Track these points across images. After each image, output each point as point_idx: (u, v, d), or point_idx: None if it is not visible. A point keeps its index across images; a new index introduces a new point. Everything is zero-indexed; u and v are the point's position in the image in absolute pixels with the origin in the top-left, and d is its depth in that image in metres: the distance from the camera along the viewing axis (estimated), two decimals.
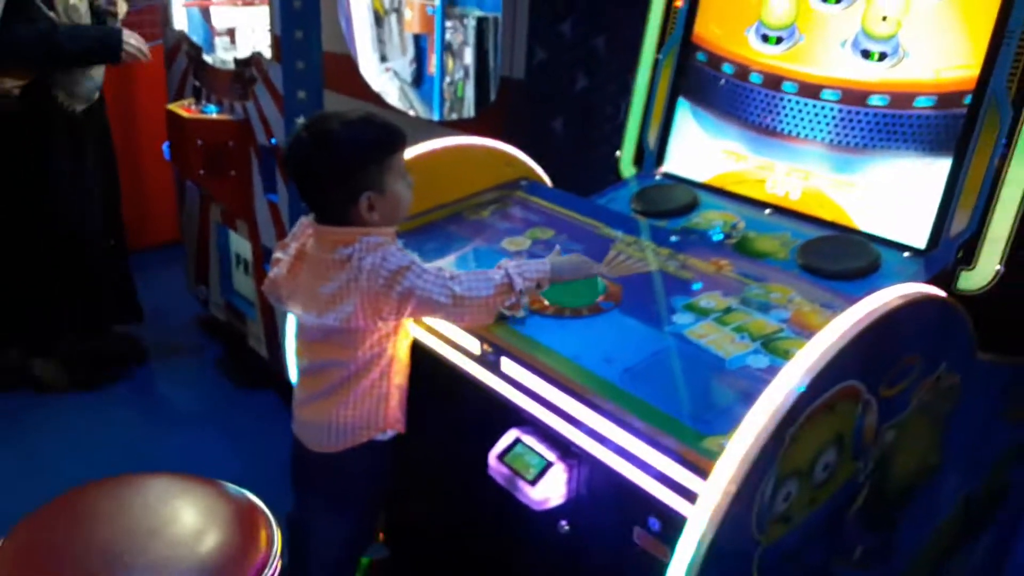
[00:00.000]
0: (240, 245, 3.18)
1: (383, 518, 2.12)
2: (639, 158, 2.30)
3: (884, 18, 1.80)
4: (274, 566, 1.25)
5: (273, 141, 2.70)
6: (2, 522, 1.35)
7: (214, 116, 2.84)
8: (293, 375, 1.94)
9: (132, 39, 2.85)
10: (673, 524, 1.21)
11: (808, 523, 1.29)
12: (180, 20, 3.28)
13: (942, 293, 1.38)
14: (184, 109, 2.89)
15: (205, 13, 3.31)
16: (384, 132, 1.59)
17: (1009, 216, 1.64)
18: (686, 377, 1.36)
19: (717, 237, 1.94)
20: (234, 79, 2.83)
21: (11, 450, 2.83)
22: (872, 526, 1.47)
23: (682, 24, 2.16)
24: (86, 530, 1.20)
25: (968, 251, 1.69)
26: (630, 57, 2.57)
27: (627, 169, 2.33)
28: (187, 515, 1.26)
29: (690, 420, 1.24)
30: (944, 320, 1.39)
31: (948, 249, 1.71)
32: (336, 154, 1.55)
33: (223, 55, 3.17)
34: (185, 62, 3.19)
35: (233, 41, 3.27)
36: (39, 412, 3.05)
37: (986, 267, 1.68)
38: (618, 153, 2.35)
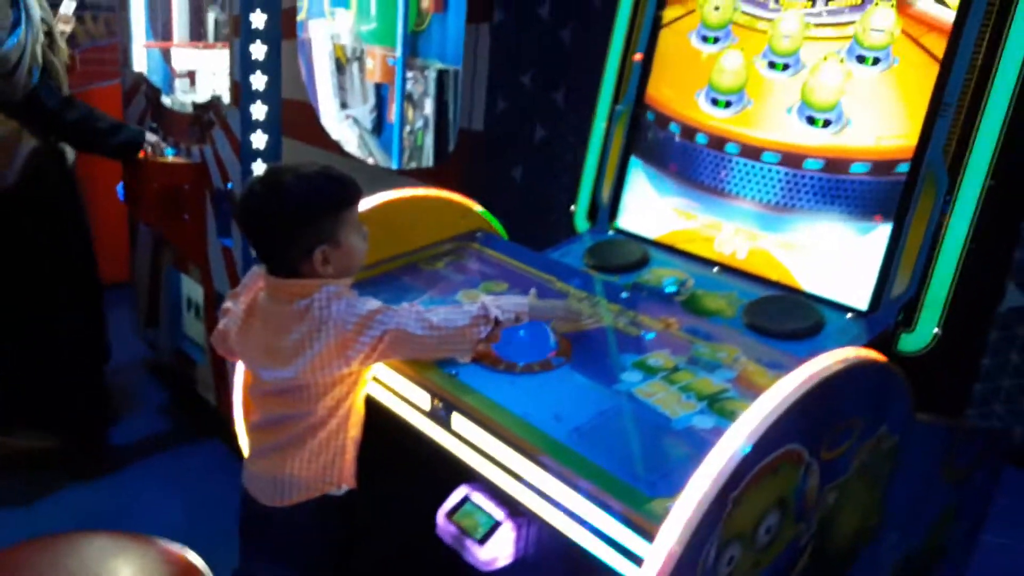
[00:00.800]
0: (192, 289, 3.14)
1: None
2: (593, 213, 2.34)
3: (827, 87, 1.86)
4: None
5: (229, 186, 2.69)
6: None
7: (170, 159, 2.82)
8: (241, 429, 1.92)
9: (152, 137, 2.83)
10: None
11: None
12: (140, 61, 3.27)
13: (882, 357, 1.42)
14: (140, 151, 2.87)
15: (166, 54, 3.31)
16: (339, 186, 1.59)
17: (946, 280, 1.70)
18: (633, 437, 1.37)
19: (670, 290, 1.98)
20: (192, 122, 2.82)
21: None
22: None
23: (635, 85, 2.22)
24: None
25: (908, 313, 1.74)
26: (588, 109, 2.63)
27: (581, 223, 2.36)
28: (123, 570, 1.23)
29: (636, 481, 1.25)
30: (884, 383, 1.43)
31: (889, 311, 1.76)
32: (289, 207, 1.55)
33: (182, 97, 3.16)
34: (143, 103, 3.18)
35: (193, 84, 3.26)
36: None
37: (925, 329, 1.73)
38: (572, 208, 2.38)
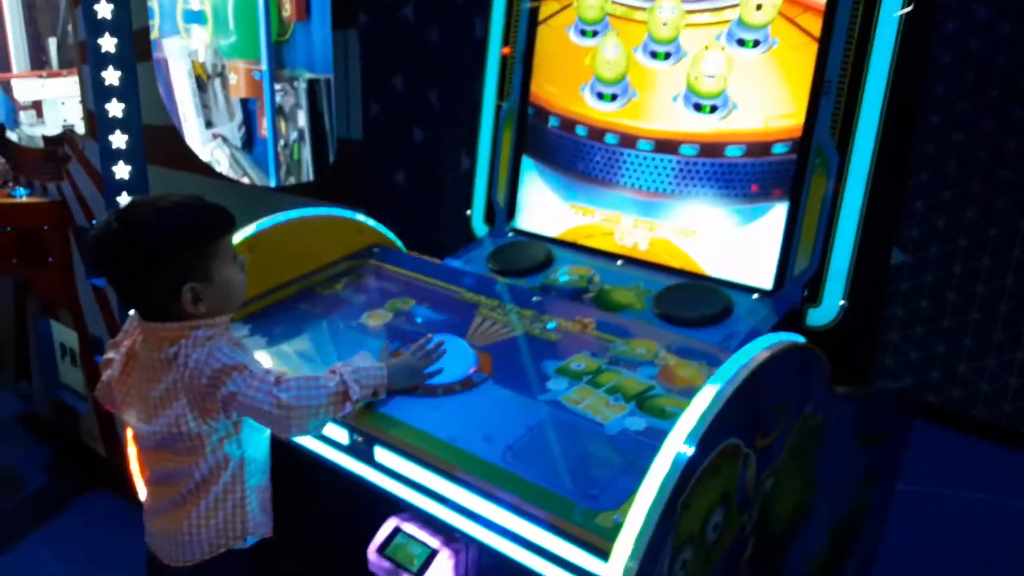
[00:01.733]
0: (64, 335, 2.91)
1: None
2: (490, 216, 2.29)
3: (710, 74, 1.87)
4: None
5: (95, 223, 2.49)
6: None
7: (24, 199, 2.59)
8: (138, 484, 1.77)
9: None
10: None
11: None
12: None
13: (803, 340, 1.42)
14: None
15: (5, 86, 3.04)
16: (202, 216, 1.46)
17: (846, 252, 1.73)
18: (568, 449, 1.33)
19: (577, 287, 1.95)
20: (45, 158, 2.60)
21: None
22: (761, 571, 1.49)
23: (518, 85, 2.18)
24: None
25: (813, 289, 1.77)
26: (464, 109, 2.55)
27: (479, 227, 2.31)
28: None
29: (579, 497, 1.21)
30: (806, 365, 1.44)
31: (794, 288, 1.79)
32: (147, 245, 1.40)
33: (29, 131, 2.92)
34: None
35: (40, 115, 3.02)
36: None
37: (831, 303, 1.76)
38: (468, 212, 2.33)
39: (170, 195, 1.47)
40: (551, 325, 1.69)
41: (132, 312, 1.56)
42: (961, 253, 3.37)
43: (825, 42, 1.71)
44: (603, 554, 1.11)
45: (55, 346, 3.00)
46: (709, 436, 1.15)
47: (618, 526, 1.12)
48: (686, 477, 1.12)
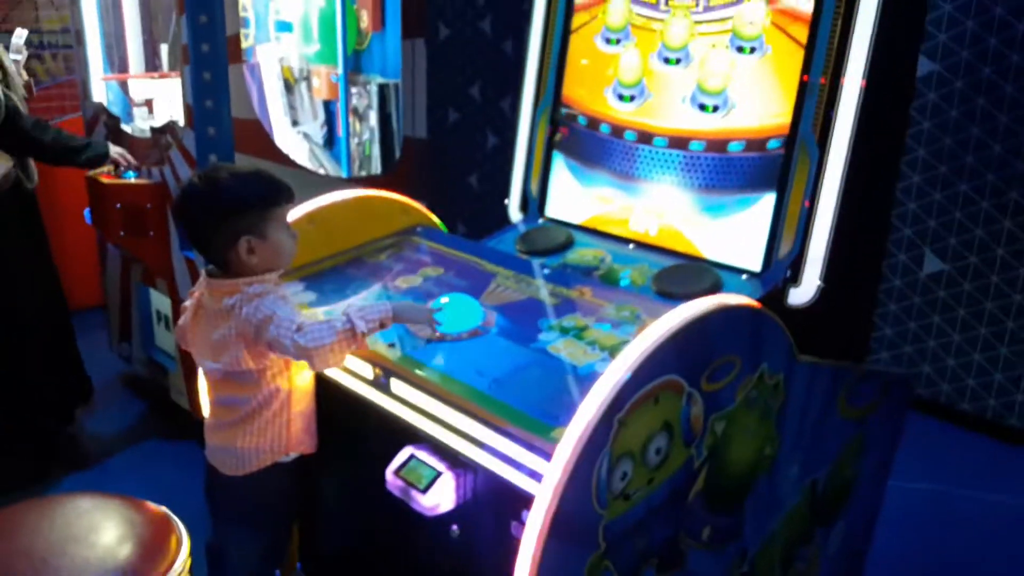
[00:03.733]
0: (160, 302, 3.32)
1: (296, 541, 2.28)
2: (524, 205, 2.56)
3: (714, 76, 2.10)
4: (183, 567, 1.41)
5: None
6: None
7: (132, 181, 3.02)
8: (204, 404, 2.11)
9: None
10: None
11: (650, 501, 1.51)
12: (99, 93, 3.46)
13: (753, 303, 1.64)
14: (104, 176, 3.06)
15: (123, 86, 3.50)
16: (268, 184, 1.78)
17: (824, 238, 1.93)
18: (543, 383, 1.58)
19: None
20: (151, 146, 3.02)
21: None
22: (715, 509, 1.71)
23: (552, 87, 2.45)
24: (12, 540, 1.35)
25: (795, 270, 1.97)
26: None
27: (515, 215, 2.58)
28: (105, 525, 1.42)
29: (542, 416, 1.47)
30: (756, 324, 1.65)
31: (778, 270, 1.99)
32: (218, 198, 1.73)
33: (141, 124, 3.36)
34: (104, 132, 3.37)
35: (151, 111, 3.46)
36: None
37: (809, 283, 1.96)
38: (507, 201, 2.61)
39: (247, 164, 1.81)
40: (554, 292, 1.95)
41: (203, 271, 1.90)
42: (951, 252, 3.51)
43: (810, 48, 1.92)
44: (549, 456, 1.37)
45: (152, 312, 3.42)
46: (646, 367, 1.39)
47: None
48: (622, 399, 1.36)
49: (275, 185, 1.78)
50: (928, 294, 3.65)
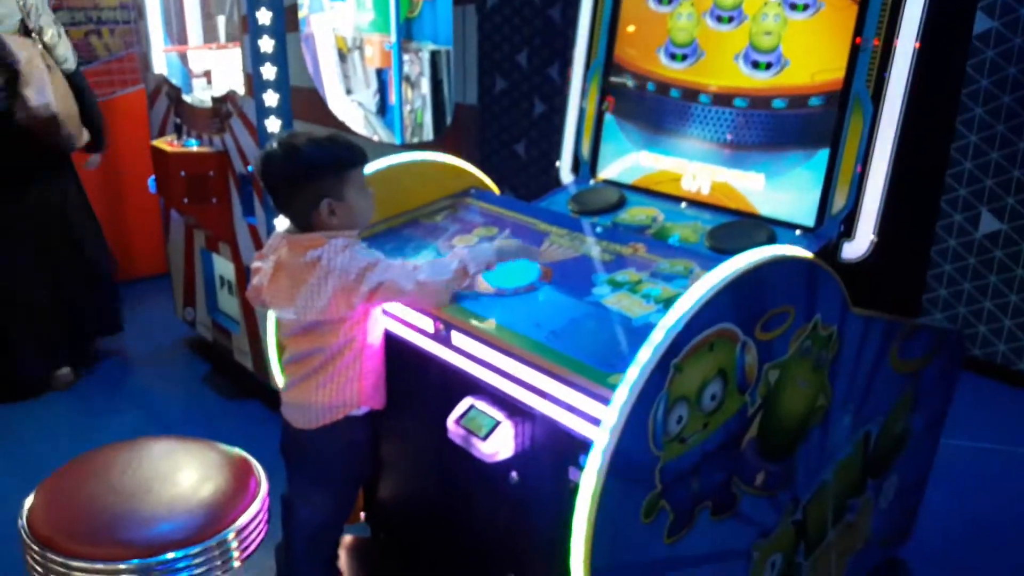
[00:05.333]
0: (223, 267, 3.44)
1: (362, 498, 2.37)
2: (576, 167, 2.60)
3: (767, 33, 2.11)
4: (262, 505, 1.50)
5: (250, 169, 2.98)
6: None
7: (195, 149, 3.12)
8: (276, 368, 2.21)
9: None
10: None
11: (705, 445, 1.57)
12: (160, 65, 3.57)
13: (806, 253, 1.67)
14: (167, 144, 3.17)
15: (183, 57, 3.60)
16: (344, 148, 1.86)
17: (877, 194, 1.94)
18: (599, 333, 1.64)
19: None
20: (212, 115, 3.11)
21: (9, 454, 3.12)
22: (768, 456, 1.75)
23: (603, 49, 2.47)
24: (102, 478, 1.46)
25: (848, 225, 1.99)
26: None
27: (566, 176, 2.62)
28: (189, 464, 1.52)
29: (599, 364, 1.52)
30: (811, 276, 1.68)
31: (832, 225, 2.01)
32: (299, 163, 1.82)
33: (200, 95, 3.46)
34: (166, 102, 3.48)
35: (210, 82, 3.56)
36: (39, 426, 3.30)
37: (863, 238, 1.98)
38: (557, 163, 2.65)
39: (321, 129, 1.88)
40: (607, 249, 1.99)
41: (275, 233, 1.98)
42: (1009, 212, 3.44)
43: (864, 6, 1.92)
44: (607, 401, 1.42)
45: (215, 277, 3.55)
46: (701, 315, 1.43)
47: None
48: (678, 345, 1.41)
49: (350, 148, 1.86)
50: (984, 254, 3.61)
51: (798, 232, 2.06)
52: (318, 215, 1.83)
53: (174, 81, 3.48)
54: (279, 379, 2.16)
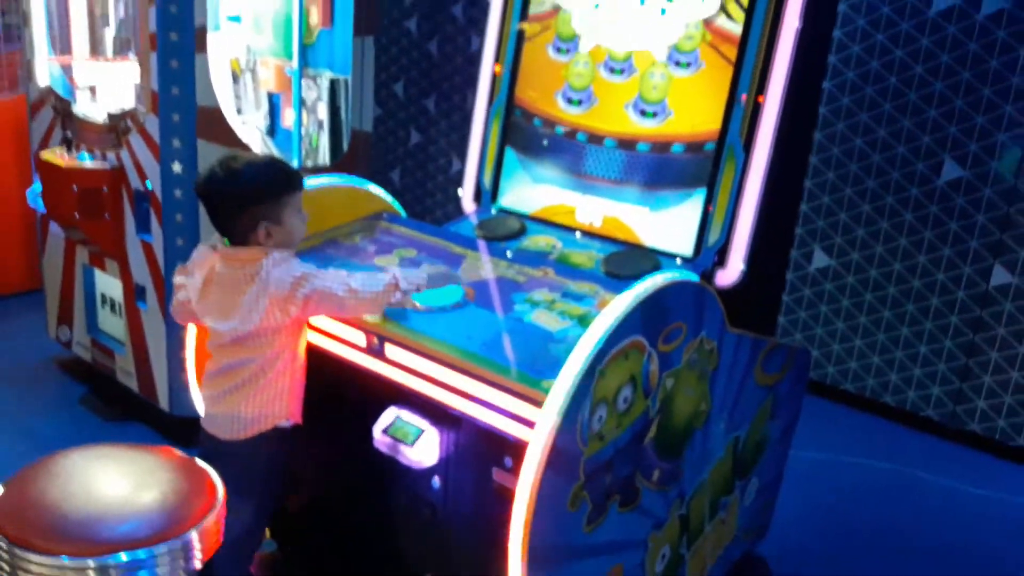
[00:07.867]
0: (107, 284, 3.40)
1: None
2: (478, 196, 2.81)
3: (654, 88, 2.41)
4: (221, 508, 1.60)
5: (148, 185, 3.00)
6: None
7: (88, 164, 3.09)
8: (198, 380, 2.27)
9: None
10: (522, 457, 1.67)
11: (616, 443, 1.81)
12: (43, 76, 3.49)
13: (695, 278, 1.96)
14: (59, 158, 3.12)
15: (67, 70, 3.54)
16: (283, 173, 1.99)
17: (747, 229, 2.27)
18: (526, 345, 1.85)
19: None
20: (107, 130, 3.10)
21: None
22: (663, 454, 2.02)
23: (505, 89, 2.71)
24: (67, 481, 1.51)
25: (722, 256, 2.30)
26: (458, 114, 3.03)
27: (468, 204, 2.83)
28: (153, 469, 1.59)
29: (530, 371, 1.73)
30: (700, 298, 1.97)
31: (708, 255, 2.32)
32: (240, 187, 1.93)
33: (87, 108, 3.41)
34: (51, 114, 3.41)
35: (95, 96, 3.52)
36: None
37: (734, 267, 2.30)
38: (460, 191, 2.85)
39: (259, 154, 1.98)
40: (520, 272, 2.22)
41: (199, 248, 2.07)
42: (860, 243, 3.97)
43: (738, 66, 2.26)
44: (539, 404, 1.64)
45: (96, 295, 3.49)
46: (620, 328, 1.68)
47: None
48: (602, 352, 1.65)
49: (288, 173, 1.98)
50: (816, 286, 4.11)
51: (679, 261, 2.36)
52: (255, 236, 1.94)
53: (62, 92, 3.42)
54: (197, 394, 2.22)
